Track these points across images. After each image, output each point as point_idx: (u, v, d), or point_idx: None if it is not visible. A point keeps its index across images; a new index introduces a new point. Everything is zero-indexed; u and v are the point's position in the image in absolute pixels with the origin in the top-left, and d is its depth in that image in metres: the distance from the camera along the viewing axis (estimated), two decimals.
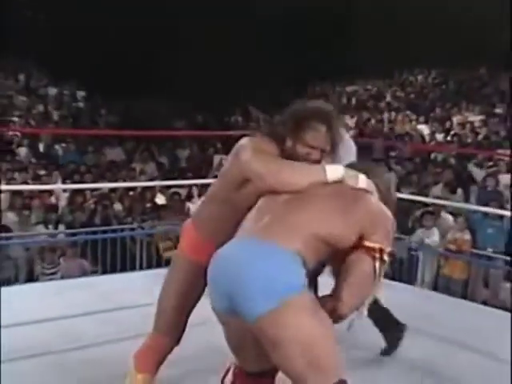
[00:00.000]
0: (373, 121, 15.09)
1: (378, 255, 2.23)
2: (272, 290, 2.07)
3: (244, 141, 2.48)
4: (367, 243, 2.24)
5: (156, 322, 2.84)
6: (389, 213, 2.35)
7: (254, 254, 2.14)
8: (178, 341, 2.82)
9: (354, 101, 17.61)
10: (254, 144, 2.43)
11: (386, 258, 2.27)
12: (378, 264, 2.24)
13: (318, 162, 2.39)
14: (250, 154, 2.38)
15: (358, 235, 2.25)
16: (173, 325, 2.77)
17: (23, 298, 5.03)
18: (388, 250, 2.27)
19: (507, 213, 7.02)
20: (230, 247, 2.24)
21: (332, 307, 2.17)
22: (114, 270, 6.56)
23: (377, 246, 2.23)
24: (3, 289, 5.69)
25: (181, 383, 3.46)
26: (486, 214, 7.93)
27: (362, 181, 2.33)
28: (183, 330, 2.81)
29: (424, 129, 13.99)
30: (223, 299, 2.19)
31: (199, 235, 2.65)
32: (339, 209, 2.25)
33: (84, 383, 3.55)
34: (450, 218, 8.08)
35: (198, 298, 2.79)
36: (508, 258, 6.91)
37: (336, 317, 2.19)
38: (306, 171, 2.31)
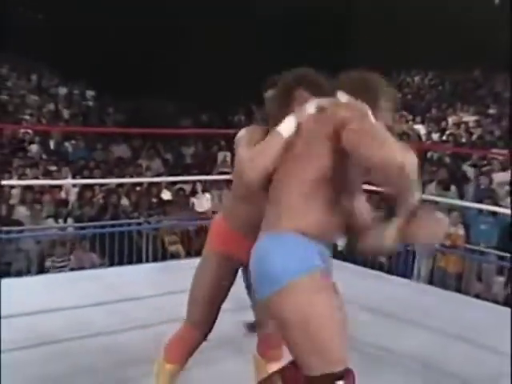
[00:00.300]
0: None
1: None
2: (275, 275, 2.05)
3: (240, 135, 2.49)
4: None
5: (188, 313, 2.78)
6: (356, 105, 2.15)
7: (263, 246, 2.13)
8: (207, 332, 2.76)
9: None
10: (246, 136, 2.42)
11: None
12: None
13: None
14: (239, 156, 2.35)
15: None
16: (204, 316, 2.72)
17: (34, 289, 5.03)
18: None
19: (500, 209, 7.02)
20: (256, 243, 2.20)
21: None
22: (121, 263, 6.56)
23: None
24: (15, 280, 5.72)
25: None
26: (479, 211, 7.93)
27: (310, 106, 2.19)
28: (213, 322, 2.75)
29: (420, 128, 13.96)
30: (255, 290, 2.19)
31: (228, 226, 2.65)
32: (310, 148, 2.12)
33: (90, 370, 3.55)
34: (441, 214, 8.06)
35: (228, 289, 2.75)
36: (500, 253, 6.91)
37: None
38: (266, 145, 2.20)
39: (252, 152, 2.23)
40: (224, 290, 2.71)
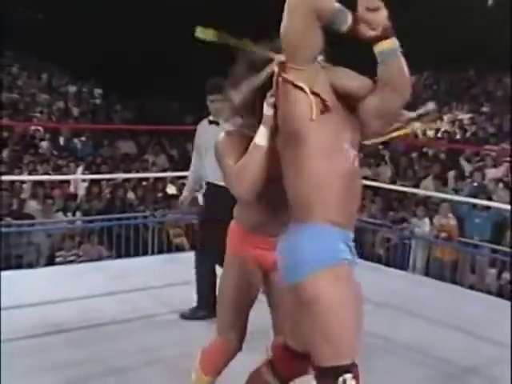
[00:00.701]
0: None
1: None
2: (302, 263, 2.02)
3: (220, 139, 2.38)
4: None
5: (218, 323, 2.63)
6: None
7: (292, 237, 2.08)
8: (241, 339, 2.60)
9: None
10: (227, 145, 2.33)
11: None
12: None
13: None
14: (225, 171, 2.31)
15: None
16: (233, 323, 2.56)
17: (45, 280, 5.03)
18: None
19: (493, 204, 7.02)
20: (285, 234, 2.16)
21: None
22: (127, 255, 6.54)
23: None
24: (26, 271, 5.71)
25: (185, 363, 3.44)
26: (473, 206, 7.92)
27: (265, 110, 2.14)
28: (245, 328, 2.59)
29: (417, 127, 13.93)
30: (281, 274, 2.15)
31: (241, 229, 2.51)
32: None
33: (101, 358, 3.54)
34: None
35: (255, 294, 2.58)
36: (493, 246, 6.90)
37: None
38: (249, 159, 2.18)
39: (237, 168, 2.20)
40: (249, 293, 2.54)
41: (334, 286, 2.01)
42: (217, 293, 2.66)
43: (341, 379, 2.01)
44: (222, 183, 4.04)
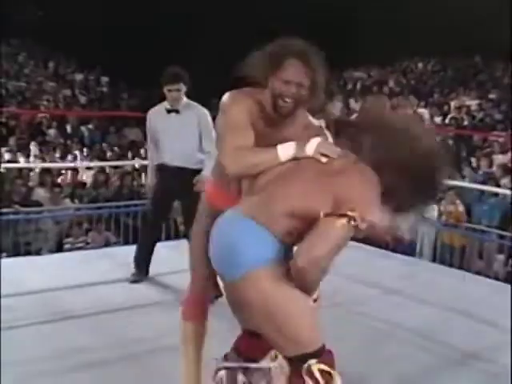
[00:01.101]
0: None
1: (346, 219, 1.97)
2: (237, 262, 2.05)
3: (225, 101, 2.33)
4: (338, 211, 2.01)
5: (191, 271, 2.68)
6: (370, 182, 2.11)
7: (234, 227, 2.11)
8: (216, 284, 2.53)
9: (358, 86, 17.46)
10: (232, 109, 2.29)
11: (357, 223, 1.98)
12: (344, 225, 1.97)
13: (297, 99, 2.23)
14: (224, 133, 2.29)
15: (333, 207, 2.04)
16: (205, 269, 2.54)
17: (52, 267, 5.04)
18: (362, 216, 1.98)
19: (501, 190, 6.99)
20: (223, 218, 2.19)
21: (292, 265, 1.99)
22: (135, 242, 6.53)
23: (349, 213, 1.98)
24: (34, 258, 5.73)
25: None
26: (482, 192, 7.89)
27: (310, 148, 2.17)
28: (215, 274, 2.56)
29: (424, 113, 13.86)
30: (215, 264, 2.18)
31: (215, 185, 2.59)
32: (316, 183, 2.10)
33: (110, 344, 3.55)
34: None
35: None
36: (501, 233, 6.87)
37: (299, 276, 1.98)
38: (262, 156, 2.21)
39: (243, 153, 2.22)
40: None
41: (271, 284, 2.02)
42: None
43: (305, 366, 2.02)
44: (174, 164, 4.43)
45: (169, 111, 4.48)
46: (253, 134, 2.28)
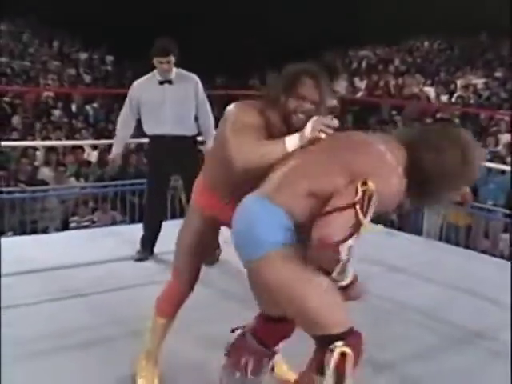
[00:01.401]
0: (382, 83, 14.86)
1: (360, 193, 1.98)
2: (255, 243, 2.06)
3: (231, 108, 2.45)
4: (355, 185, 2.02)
5: (173, 267, 2.80)
6: (389, 160, 2.11)
7: (252, 209, 2.13)
8: (192, 284, 2.75)
9: (364, 64, 17.34)
10: (238, 114, 2.40)
11: (372, 195, 1.99)
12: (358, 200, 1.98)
13: (310, 114, 2.36)
14: (229, 133, 2.36)
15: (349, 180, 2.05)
16: (185, 267, 2.71)
17: (58, 245, 5.04)
18: (371, 188, 1.99)
19: (508, 168, 6.94)
20: (242, 202, 2.19)
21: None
22: (141, 220, 6.54)
23: (363, 186, 1.99)
24: (42, 236, 5.75)
25: (195, 327, 3.45)
26: (488, 170, 7.84)
27: (308, 129, 2.25)
28: (196, 276, 2.74)
29: (430, 91, 13.78)
30: (235, 245, 2.19)
31: (205, 188, 2.62)
32: (332, 160, 2.13)
33: (119, 322, 3.56)
34: None
35: (210, 244, 2.83)
36: (507, 211, 6.83)
37: (315, 255, 1.99)
38: (269, 147, 2.28)
39: (251, 147, 2.28)
40: (205, 239, 2.70)
41: (287, 266, 2.03)
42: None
43: (331, 346, 2.03)
44: (174, 133, 4.46)
45: (161, 82, 4.53)
46: (259, 133, 2.35)
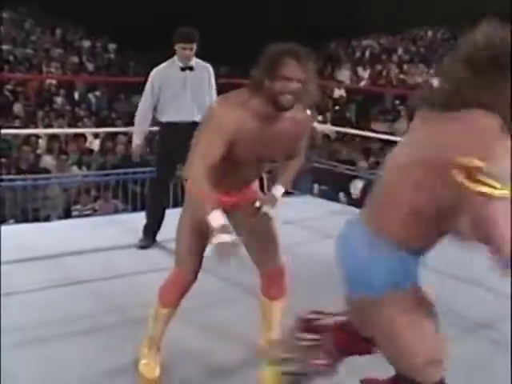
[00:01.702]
0: (385, 72, 14.82)
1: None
2: (368, 282, 1.94)
3: (214, 106, 2.52)
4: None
5: (175, 257, 2.76)
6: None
7: (356, 243, 1.99)
8: (196, 272, 2.70)
9: (367, 54, 17.29)
10: (216, 115, 2.45)
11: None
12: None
13: (297, 93, 2.38)
14: (201, 135, 2.53)
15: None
16: (188, 256, 2.68)
17: (60, 233, 5.03)
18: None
19: None
20: (346, 228, 2.06)
21: None
22: (143, 209, 6.52)
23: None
24: (44, 224, 5.74)
25: (196, 314, 3.43)
26: None
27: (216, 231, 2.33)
28: (199, 264, 2.70)
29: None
30: (344, 278, 2.06)
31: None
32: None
33: (119, 309, 3.55)
34: None
35: (210, 232, 2.73)
36: None
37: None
38: (203, 188, 2.39)
39: (198, 170, 2.44)
40: (205, 226, 2.56)
41: (405, 308, 1.95)
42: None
43: None
44: (191, 119, 4.46)
45: (183, 69, 4.57)
46: (222, 151, 2.43)
